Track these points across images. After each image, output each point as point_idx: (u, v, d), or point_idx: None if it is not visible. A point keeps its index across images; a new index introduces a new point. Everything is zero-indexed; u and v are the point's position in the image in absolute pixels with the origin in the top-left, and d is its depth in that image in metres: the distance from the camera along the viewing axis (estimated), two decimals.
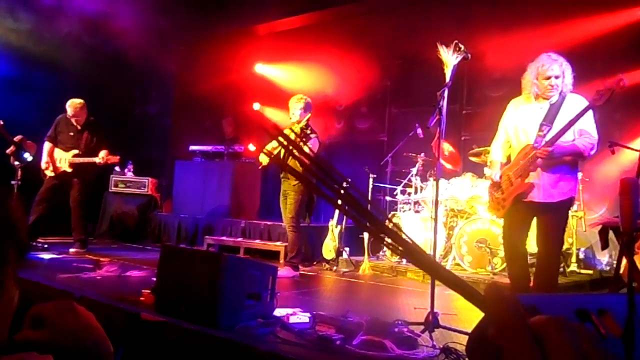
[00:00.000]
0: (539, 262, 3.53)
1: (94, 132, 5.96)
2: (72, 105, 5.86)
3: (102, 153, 5.84)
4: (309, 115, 5.15)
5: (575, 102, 3.39)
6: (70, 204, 5.87)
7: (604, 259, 5.20)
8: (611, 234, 3.85)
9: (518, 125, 3.53)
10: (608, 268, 5.13)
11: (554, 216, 3.40)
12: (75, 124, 5.94)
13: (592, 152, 3.34)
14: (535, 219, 3.52)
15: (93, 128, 5.98)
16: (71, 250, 5.79)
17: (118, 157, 6.06)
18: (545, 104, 3.45)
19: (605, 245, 3.85)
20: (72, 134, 5.94)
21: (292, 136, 5.12)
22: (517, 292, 3.53)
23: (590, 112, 3.28)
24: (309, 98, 5.22)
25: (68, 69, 7.36)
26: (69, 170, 5.82)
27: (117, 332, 2.70)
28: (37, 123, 6.23)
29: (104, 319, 1.16)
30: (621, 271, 3.99)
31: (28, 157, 5.95)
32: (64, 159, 5.85)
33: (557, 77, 3.36)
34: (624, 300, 1.58)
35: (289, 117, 5.23)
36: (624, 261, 3.87)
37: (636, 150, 4.58)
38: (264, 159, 5.31)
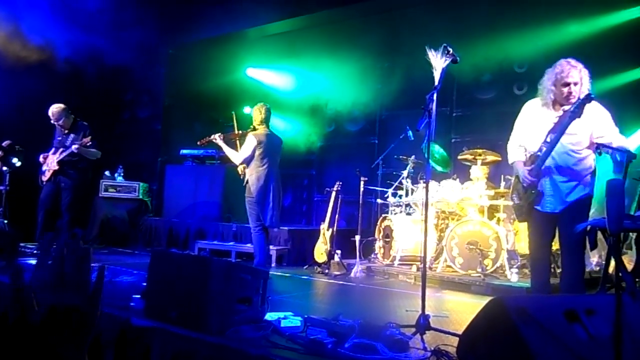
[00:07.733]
0: (563, 268, 3.52)
1: (79, 133, 6.02)
2: (50, 111, 5.99)
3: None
4: (260, 119, 5.27)
5: (592, 111, 3.26)
6: (61, 208, 5.95)
7: (593, 259, 5.24)
8: (600, 235, 3.88)
9: (532, 131, 3.44)
10: (597, 268, 5.17)
11: (567, 223, 3.32)
12: (62, 128, 6.05)
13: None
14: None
15: (78, 129, 6.05)
16: None
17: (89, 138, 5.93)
18: (560, 112, 3.34)
19: (594, 245, 3.88)
20: (60, 138, 6.08)
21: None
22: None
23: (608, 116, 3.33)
24: (260, 108, 5.30)
25: (57, 74, 7.29)
26: (57, 167, 5.88)
27: (107, 338, 2.68)
28: (25, 129, 6.19)
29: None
30: (610, 271, 4.03)
31: (17, 162, 5.89)
32: (54, 161, 5.94)
33: (575, 84, 3.26)
34: (612, 300, 1.60)
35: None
36: (612, 261, 3.91)
37: (623, 151, 4.62)
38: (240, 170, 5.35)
